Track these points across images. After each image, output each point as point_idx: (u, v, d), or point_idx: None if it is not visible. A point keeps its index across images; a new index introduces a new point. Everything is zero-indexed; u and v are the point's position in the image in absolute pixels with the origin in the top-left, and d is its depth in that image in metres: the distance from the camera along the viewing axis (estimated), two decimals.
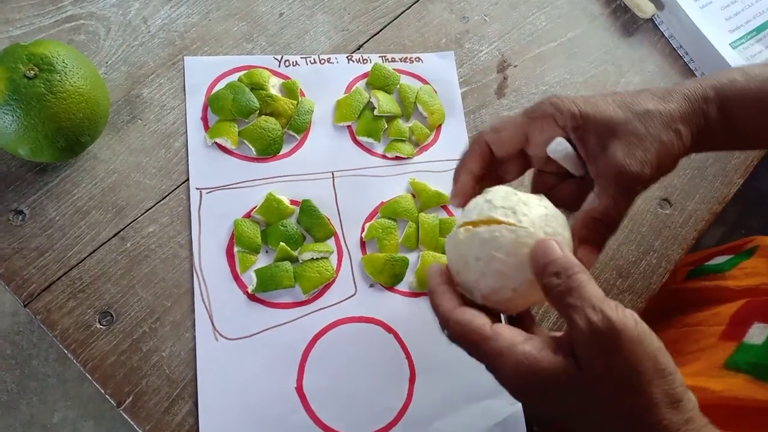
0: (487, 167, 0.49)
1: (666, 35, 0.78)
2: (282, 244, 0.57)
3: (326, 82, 0.66)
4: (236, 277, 0.57)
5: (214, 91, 0.62)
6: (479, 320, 0.40)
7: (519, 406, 0.57)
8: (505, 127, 0.47)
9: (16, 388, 1.33)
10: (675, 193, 0.70)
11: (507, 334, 0.39)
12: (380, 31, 0.70)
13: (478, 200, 0.44)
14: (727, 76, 0.48)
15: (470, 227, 0.43)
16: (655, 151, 0.45)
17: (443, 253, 0.60)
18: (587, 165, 0.46)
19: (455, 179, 0.49)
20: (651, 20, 0.78)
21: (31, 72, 0.50)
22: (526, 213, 0.42)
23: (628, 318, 0.36)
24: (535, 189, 0.51)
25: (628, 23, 0.77)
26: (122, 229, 0.57)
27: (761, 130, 0.49)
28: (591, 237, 0.45)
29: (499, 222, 0.41)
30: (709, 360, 0.56)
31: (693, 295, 0.68)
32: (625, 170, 0.44)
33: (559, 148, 0.46)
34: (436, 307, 0.43)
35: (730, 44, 0.75)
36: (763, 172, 0.81)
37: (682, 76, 0.76)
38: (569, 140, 0.46)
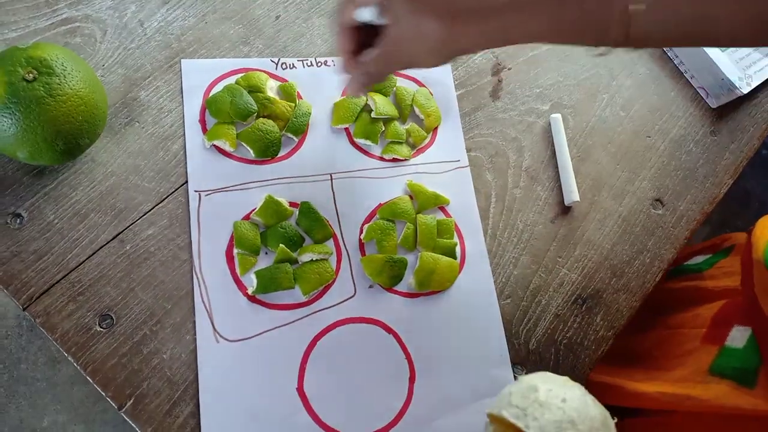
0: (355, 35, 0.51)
1: None
2: (281, 245, 0.58)
3: (323, 84, 0.66)
4: (236, 279, 0.57)
5: (211, 93, 0.62)
6: None
7: None
8: (346, 11, 0.49)
9: (5, 392, 1.32)
10: (667, 194, 0.71)
11: None
12: None
13: (508, 388, 0.47)
14: None
15: (491, 418, 0.45)
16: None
17: (441, 254, 0.61)
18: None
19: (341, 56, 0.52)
20: None
21: (30, 75, 0.50)
22: (537, 417, 0.43)
23: None
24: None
25: None
26: (121, 232, 0.57)
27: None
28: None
29: (508, 423, 0.43)
30: (694, 365, 0.57)
31: (673, 295, 0.69)
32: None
33: (362, 15, 0.48)
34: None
35: (720, 48, 0.76)
36: (749, 171, 0.82)
37: (673, 80, 0.77)
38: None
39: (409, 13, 0.44)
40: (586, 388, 0.49)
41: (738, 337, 0.55)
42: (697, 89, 0.78)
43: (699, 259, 0.74)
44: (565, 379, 0.50)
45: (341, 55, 0.51)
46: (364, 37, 0.50)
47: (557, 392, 0.45)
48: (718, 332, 0.57)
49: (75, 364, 0.53)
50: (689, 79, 0.78)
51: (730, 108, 0.77)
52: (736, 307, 0.58)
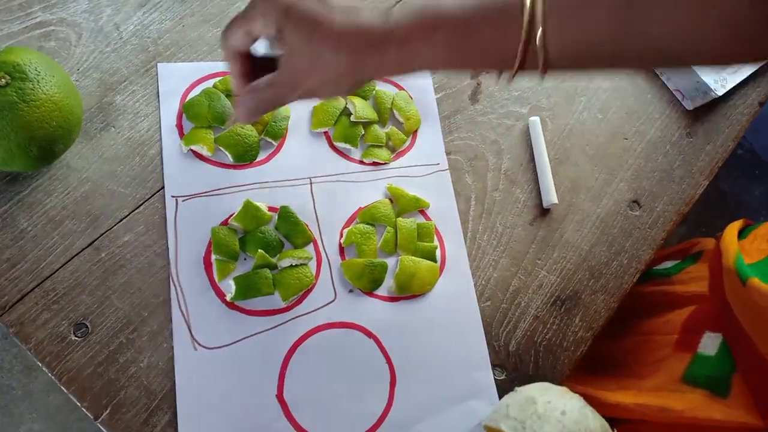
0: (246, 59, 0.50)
1: None
2: (260, 251, 0.57)
3: None
4: (214, 286, 0.56)
5: (189, 97, 0.62)
6: None
7: None
8: (231, 35, 0.47)
9: None
10: (644, 195, 0.72)
11: None
12: None
13: (506, 400, 0.47)
14: (423, 17, 0.43)
15: (488, 430, 0.45)
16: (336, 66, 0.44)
17: (421, 257, 0.61)
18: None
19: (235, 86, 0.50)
20: None
21: (3, 80, 0.49)
22: (536, 430, 0.42)
23: None
24: None
25: None
26: (96, 239, 0.56)
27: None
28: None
29: None
30: (667, 373, 0.57)
31: (643, 299, 0.70)
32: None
33: (258, 48, 0.48)
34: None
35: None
36: (724, 172, 0.83)
37: (649, 83, 0.78)
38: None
39: (306, 45, 0.43)
40: None
41: (709, 344, 0.55)
42: (674, 92, 0.78)
43: (668, 264, 0.75)
44: (564, 389, 0.49)
45: (232, 78, 0.50)
46: (255, 60, 0.49)
47: (556, 404, 0.45)
48: (689, 339, 0.57)
49: (50, 374, 0.52)
50: (665, 82, 0.79)
51: (706, 110, 0.78)
52: (706, 313, 0.59)
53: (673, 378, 0.55)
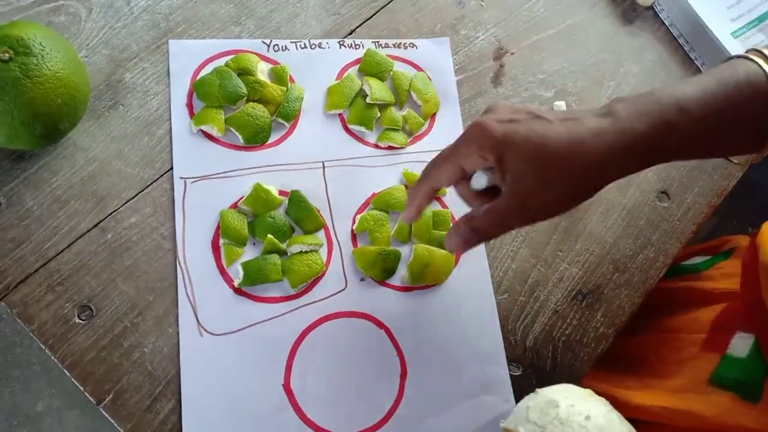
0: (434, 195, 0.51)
1: (666, 23, 0.76)
2: (270, 236, 0.55)
3: (317, 68, 0.63)
4: (222, 271, 0.55)
5: (199, 76, 0.60)
6: None
7: (513, 402, 0.56)
8: (440, 172, 0.48)
9: None
10: (674, 186, 0.68)
11: None
12: (373, 15, 0.67)
13: (525, 402, 0.44)
14: (661, 115, 0.43)
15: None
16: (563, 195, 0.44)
17: (436, 246, 0.59)
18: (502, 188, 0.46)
19: (409, 205, 0.51)
20: (651, 8, 0.76)
21: (6, 55, 0.47)
22: None
23: None
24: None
25: (628, 11, 0.75)
26: (103, 220, 0.54)
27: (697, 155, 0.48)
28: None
29: None
30: (693, 374, 0.54)
31: (668, 295, 0.67)
32: (523, 210, 0.44)
33: (478, 182, 0.48)
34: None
35: (731, 33, 0.73)
36: (758, 163, 0.79)
37: (682, 66, 0.74)
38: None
39: (533, 169, 0.42)
40: None
41: (740, 345, 0.52)
42: None
43: (697, 260, 0.72)
44: (588, 392, 0.47)
45: (411, 207, 0.50)
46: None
47: (580, 408, 0.42)
48: (718, 339, 0.54)
49: (53, 357, 0.51)
50: (699, 67, 0.75)
51: None
52: (738, 312, 0.55)
53: (700, 379, 0.52)
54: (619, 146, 0.42)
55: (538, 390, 0.45)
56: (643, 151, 0.43)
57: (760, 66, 0.44)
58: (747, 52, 0.47)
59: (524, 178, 0.42)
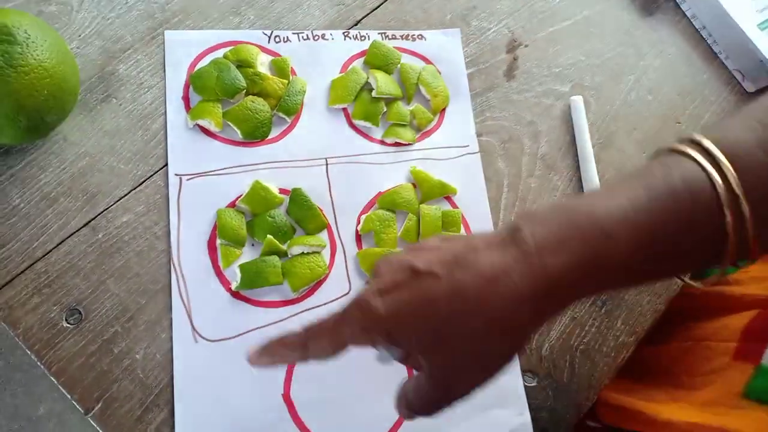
0: None
1: (688, 15, 0.72)
2: (269, 236, 0.53)
3: (320, 60, 0.60)
4: (218, 273, 0.52)
5: (196, 68, 0.57)
6: None
7: (527, 416, 0.53)
8: (318, 350, 0.38)
9: (0, 378, 1.29)
10: None
11: None
12: (380, 5, 0.64)
13: None
14: (582, 247, 0.34)
15: None
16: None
17: None
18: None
19: (263, 353, 0.40)
20: None
21: None
22: None
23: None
24: None
25: (648, 2, 0.72)
26: (93, 219, 0.52)
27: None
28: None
29: None
30: (725, 386, 0.51)
31: (694, 301, 0.63)
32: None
33: (383, 358, 0.44)
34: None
35: (758, 25, 0.69)
36: None
37: (706, 61, 0.71)
38: None
39: (431, 344, 0.35)
40: (598, 407, 0.42)
41: None
42: (733, 72, 0.71)
43: None
44: None
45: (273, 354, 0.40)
46: None
47: None
48: (751, 348, 0.51)
49: (39, 363, 0.48)
50: (723, 61, 0.71)
51: None
52: None
53: (732, 392, 0.49)
54: (529, 290, 0.33)
55: None
56: (562, 292, 0.34)
57: (700, 165, 0.35)
58: (680, 142, 0.37)
59: (430, 356, 0.35)
